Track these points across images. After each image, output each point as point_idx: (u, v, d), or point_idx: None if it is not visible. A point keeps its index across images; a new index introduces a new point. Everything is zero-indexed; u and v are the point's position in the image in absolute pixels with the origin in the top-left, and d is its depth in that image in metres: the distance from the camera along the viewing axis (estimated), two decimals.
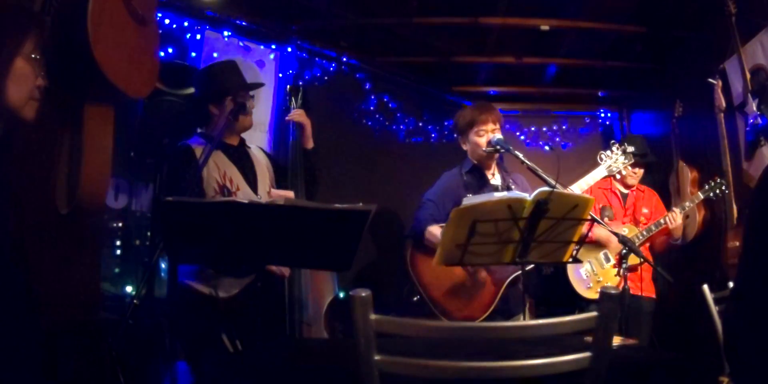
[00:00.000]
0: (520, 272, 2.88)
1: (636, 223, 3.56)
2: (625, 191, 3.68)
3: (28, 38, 1.59)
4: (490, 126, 2.96)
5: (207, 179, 2.52)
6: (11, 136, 1.68)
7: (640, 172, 3.65)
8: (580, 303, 3.43)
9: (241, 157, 2.68)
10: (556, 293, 3.70)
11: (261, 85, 2.91)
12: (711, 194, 3.53)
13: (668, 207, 4.36)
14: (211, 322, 2.44)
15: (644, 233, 3.43)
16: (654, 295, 3.52)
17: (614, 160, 3.02)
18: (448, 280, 2.95)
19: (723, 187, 3.51)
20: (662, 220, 3.45)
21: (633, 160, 3.04)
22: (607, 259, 3.43)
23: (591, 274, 3.41)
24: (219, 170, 2.56)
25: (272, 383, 1.48)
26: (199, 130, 2.73)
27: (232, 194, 2.52)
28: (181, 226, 1.78)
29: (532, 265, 2.97)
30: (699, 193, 3.55)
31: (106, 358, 2.11)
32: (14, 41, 1.57)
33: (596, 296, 3.28)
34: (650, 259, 3.32)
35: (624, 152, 3.01)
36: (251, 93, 2.73)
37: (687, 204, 3.48)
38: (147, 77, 2.27)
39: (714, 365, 2.19)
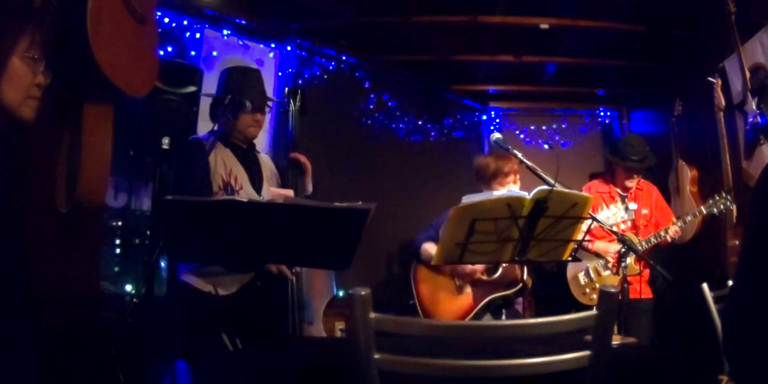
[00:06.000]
0: (510, 291, 3.02)
1: (636, 229, 3.51)
2: (624, 194, 3.61)
3: (23, 36, 1.58)
4: (512, 177, 3.13)
5: (213, 175, 2.53)
6: (11, 136, 1.68)
7: (637, 176, 3.60)
8: (576, 307, 3.43)
9: (248, 159, 2.70)
10: (556, 292, 3.72)
11: (272, 100, 2.90)
12: (715, 209, 3.37)
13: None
14: (210, 321, 2.44)
15: (643, 245, 3.34)
16: (651, 296, 3.53)
17: (614, 213, 2.99)
18: (438, 289, 3.29)
19: (728, 203, 3.36)
20: (662, 233, 3.36)
21: (634, 217, 3.05)
22: (606, 268, 3.42)
23: (588, 281, 3.41)
24: (225, 167, 2.57)
25: (272, 382, 1.48)
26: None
27: (235, 192, 2.53)
28: (180, 224, 1.78)
29: (519, 287, 3.11)
30: (702, 207, 3.40)
31: (106, 357, 2.11)
32: (9, 40, 1.56)
33: (590, 302, 3.37)
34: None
35: (627, 209, 2.98)
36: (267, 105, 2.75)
37: (689, 218, 3.37)
38: (146, 76, 2.27)
39: (713, 364, 2.20)
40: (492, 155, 3.27)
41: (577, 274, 3.47)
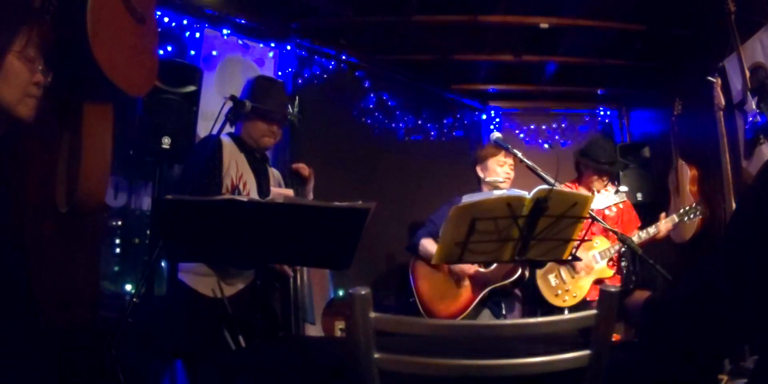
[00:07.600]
0: (507, 282, 3.06)
1: (606, 232, 3.46)
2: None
3: (18, 35, 1.57)
4: (510, 160, 3.33)
5: (224, 175, 2.53)
6: (11, 136, 1.68)
7: (606, 179, 3.57)
8: (543, 308, 3.38)
9: (259, 169, 2.71)
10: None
11: (293, 115, 2.88)
12: (685, 218, 3.39)
13: (666, 206, 4.37)
14: (210, 321, 2.44)
15: (614, 249, 3.35)
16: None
17: (606, 196, 2.97)
18: (437, 284, 3.33)
19: (697, 213, 3.39)
20: (634, 239, 3.36)
21: (625, 199, 2.99)
22: (577, 272, 3.40)
23: (560, 283, 3.38)
24: (237, 171, 2.57)
25: (272, 382, 1.48)
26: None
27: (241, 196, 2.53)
28: (180, 224, 1.77)
29: (515, 277, 3.14)
30: (674, 215, 3.39)
31: (105, 357, 2.11)
32: (5, 38, 1.55)
33: (562, 304, 3.35)
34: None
35: (617, 192, 2.96)
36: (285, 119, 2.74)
37: (651, 229, 3.32)
38: (146, 75, 2.26)
39: (713, 364, 2.19)
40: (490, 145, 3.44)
41: (547, 274, 3.39)
